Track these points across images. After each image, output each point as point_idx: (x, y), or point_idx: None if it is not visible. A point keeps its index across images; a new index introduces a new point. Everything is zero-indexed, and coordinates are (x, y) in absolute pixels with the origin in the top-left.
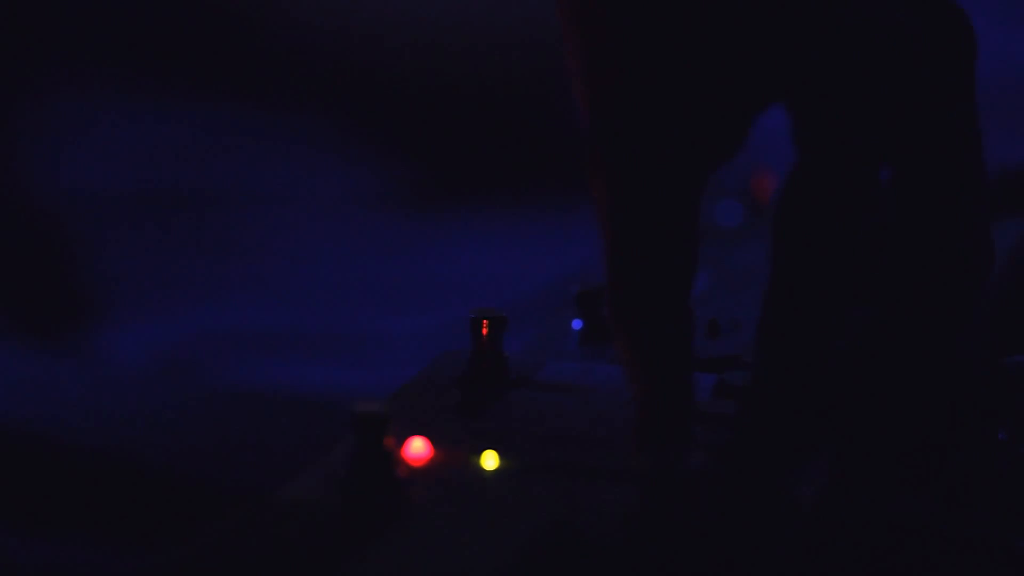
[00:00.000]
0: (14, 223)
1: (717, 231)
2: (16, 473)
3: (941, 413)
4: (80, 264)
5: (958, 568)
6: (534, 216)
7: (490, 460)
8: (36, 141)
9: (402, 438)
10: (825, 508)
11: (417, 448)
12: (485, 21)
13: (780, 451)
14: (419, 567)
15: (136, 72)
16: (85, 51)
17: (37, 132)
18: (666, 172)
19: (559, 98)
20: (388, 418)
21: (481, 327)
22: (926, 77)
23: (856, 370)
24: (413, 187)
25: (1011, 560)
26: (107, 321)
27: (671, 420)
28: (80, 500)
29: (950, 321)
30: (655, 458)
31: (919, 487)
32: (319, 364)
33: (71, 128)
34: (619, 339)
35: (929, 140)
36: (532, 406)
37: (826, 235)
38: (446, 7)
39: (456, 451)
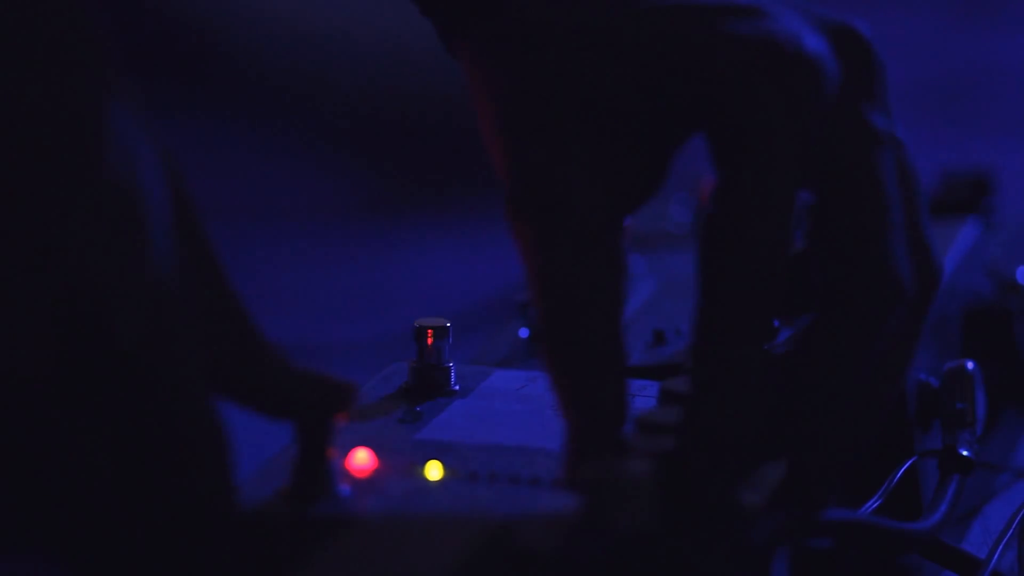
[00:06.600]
0: None
1: (665, 236)
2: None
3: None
4: None
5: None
6: (481, 226)
7: (434, 470)
8: None
9: (346, 449)
10: (772, 514)
11: (361, 459)
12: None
13: (724, 458)
14: None
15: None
16: None
17: None
18: (586, 217)
19: None
20: (332, 429)
21: (425, 336)
22: (836, 100)
23: (795, 375)
24: (362, 198)
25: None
26: None
27: (603, 436)
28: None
29: (878, 340)
30: (588, 471)
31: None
32: None
33: None
34: (549, 364)
35: (843, 165)
36: (477, 415)
37: (751, 253)
38: (393, 19)
39: (400, 462)
